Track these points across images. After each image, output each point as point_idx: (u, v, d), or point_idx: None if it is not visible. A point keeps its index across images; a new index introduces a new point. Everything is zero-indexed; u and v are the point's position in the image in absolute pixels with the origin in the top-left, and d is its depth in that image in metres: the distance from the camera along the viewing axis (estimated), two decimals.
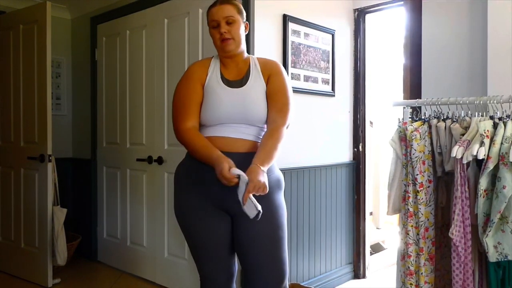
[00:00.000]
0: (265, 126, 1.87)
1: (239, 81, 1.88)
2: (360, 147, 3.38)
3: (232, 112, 1.81)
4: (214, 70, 1.90)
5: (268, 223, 1.81)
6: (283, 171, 2.16)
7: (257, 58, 1.97)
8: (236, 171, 1.62)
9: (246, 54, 1.93)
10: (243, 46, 1.89)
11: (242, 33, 1.88)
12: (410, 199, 2.11)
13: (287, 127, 1.88)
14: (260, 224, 1.74)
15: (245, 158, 1.72)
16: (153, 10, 3.21)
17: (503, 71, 2.20)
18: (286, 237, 1.88)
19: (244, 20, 1.91)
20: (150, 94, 3.26)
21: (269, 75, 1.90)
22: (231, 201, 1.69)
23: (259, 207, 1.59)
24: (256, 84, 1.88)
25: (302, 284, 2.84)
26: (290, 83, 1.96)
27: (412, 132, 2.09)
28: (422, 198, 2.07)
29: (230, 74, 1.90)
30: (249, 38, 2.61)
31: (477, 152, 1.82)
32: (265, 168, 1.66)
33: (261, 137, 1.85)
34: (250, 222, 1.67)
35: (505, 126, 1.85)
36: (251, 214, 1.60)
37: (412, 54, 2.66)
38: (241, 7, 1.91)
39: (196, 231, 1.85)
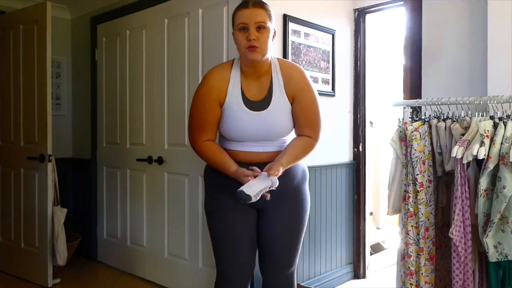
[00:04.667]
0: (288, 136, 1.88)
1: (261, 102, 1.80)
2: (360, 147, 3.38)
3: (254, 134, 1.80)
4: (234, 86, 1.79)
5: (293, 216, 1.90)
6: None
7: (280, 65, 1.84)
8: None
9: (268, 59, 1.81)
10: (268, 54, 1.78)
11: (270, 41, 1.77)
12: (410, 199, 2.11)
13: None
14: (286, 217, 1.82)
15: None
16: (153, 10, 3.21)
17: (503, 71, 2.20)
18: (305, 229, 1.96)
19: (274, 27, 1.79)
20: (150, 94, 3.26)
21: (295, 95, 1.81)
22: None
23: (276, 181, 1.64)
24: (279, 105, 1.80)
25: (302, 284, 2.84)
26: (316, 92, 1.87)
27: (412, 132, 2.09)
28: (422, 198, 2.07)
29: (251, 90, 1.81)
30: None
31: (477, 152, 1.82)
32: (284, 168, 1.72)
33: (284, 145, 1.86)
34: (276, 215, 1.76)
35: (505, 126, 1.85)
36: (265, 186, 1.63)
37: (412, 54, 2.66)
38: (272, 14, 1.79)
39: (224, 225, 1.87)
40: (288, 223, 1.87)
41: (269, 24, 1.74)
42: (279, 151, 1.83)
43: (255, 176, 1.67)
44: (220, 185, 1.87)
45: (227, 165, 1.77)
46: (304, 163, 1.95)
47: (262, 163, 1.77)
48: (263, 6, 1.76)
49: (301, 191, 1.93)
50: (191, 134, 1.85)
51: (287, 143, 1.86)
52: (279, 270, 1.94)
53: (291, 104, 1.82)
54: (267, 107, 1.78)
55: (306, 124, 1.83)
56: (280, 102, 1.80)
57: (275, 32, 1.82)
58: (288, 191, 1.84)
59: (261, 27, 1.72)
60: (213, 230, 1.93)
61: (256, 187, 1.61)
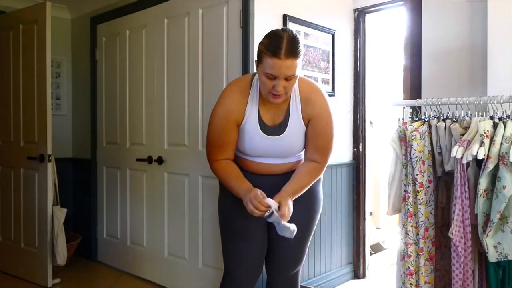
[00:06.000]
0: (302, 152, 1.89)
1: (277, 127, 1.78)
2: (360, 147, 3.38)
3: (269, 153, 1.82)
4: (252, 109, 1.76)
5: (306, 219, 1.90)
6: None
7: (299, 86, 1.77)
8: (267, 201, 1.65)
9: None
10: None
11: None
12: (410, 199, 2.11)
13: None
14: (299, 219, 1.78)
15: (281, 180, 1.79)
16: (153, 10, 3.21)
17: (503, 71, 2.20)
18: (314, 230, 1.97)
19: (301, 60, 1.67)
20: (150, 94, 3.26)
21: (310, 118, 1.77)
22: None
23: (293, 226, 1.64)
24: (295, 130, 1.78)
25: (302, 284, 2.83)
26: (332, 117, 1.81)
27: (412, 132, 2.09)
28: (422, 198, 2.07)
29: (268, 114, 1.77)
30: (249, 38, 2.61)
31: (477, 152, 1.82)
32: (292, 199, 1.72)
33: (297, 160, 1.88)
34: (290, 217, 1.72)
35: (505, 126, 1.85)
36: (290, 234, 1.65)
37: (412, 54, 2.66)
38: (302, 51, 1.64)
39: (236, 223, 1.86)
40: (301, 225, 1.82)
41: (298, 70, 1.64)
42: (294, 162, 1.86)
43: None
44: None
45: (240, 184, 1.74)
46: None
47: (276, 175, 1.82)
48: (296, 54, 1.60)
49: (315, 193, 1.93)
50: (208, 152, 1.83)
51: (302, 157, 1.89)
52: (286, 270, 1.95)
53: (306, 126, 1.80)
54: (283, 133, 1.77)
55: (316, 149, 1.81)
56: (296, 126, 1.78)
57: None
58: (303, 193, 1.82)
59: (290, 79, 1.63)
60: (223, 227, 1.93)
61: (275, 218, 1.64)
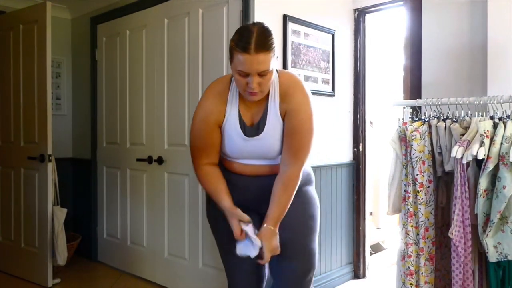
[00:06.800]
0: None
1: (256, 126, 1.68)
2: (360, 147, 3.38)
3: (252, 155, 1.72)
4: (231, 109, 1.68)
5: (300, 214, 1.79)
6: None
7: (279, 78, 1.67)
8: (248, 230, 1.60)
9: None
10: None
11: (273, 76, 1.60)
12: (410, 199, 2.11)
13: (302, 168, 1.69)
14: (293, 215, 1.72)
15: (269, 181, 1.69)
16: (153, 10, 3.21)
17: (503, 71, 2.20)
18: (318, 229, 1.87)
19: (276, 54, 1.58)
20: (150, 94, 3.26)
21: (286, 111, 1.64)
22: (262, 204, 1.68)
23: (258, 244, 1.59)
24: (274, 128, 1.67)
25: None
26: (312, 116, 1.66)
27: (412, 132, 2.09)
28: (422, 198, 2.07)
29: (248, 113, 1.69)
30: None
31: (477, 152, 1.82)
32: (278, 227, 1.64)
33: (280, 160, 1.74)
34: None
35: (505, 126, 1.85)
36: (252, 254, 1.60)
37: (412, 54, 2.66)
38: (274, 44, 1.55)
39: (226, 236, 1.74)
40: (295, 219, 1.76)
41: (272, 65, 1.55)
42: (276, 165, 1.72)
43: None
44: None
45: (220, 198, 1.68)
46: (309, 168, 1.86)
47: (264, 176, 1.72)
48: (267, 48, 1.51)
49: (305, 194, 1.81)
50: (192, 156, 1.75)
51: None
52: (293, 276, 1.80)
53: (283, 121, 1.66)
54: (261, 132, 1.67)
55: (288, 149, 1.65)
56: (275, 125, 1.66)
57: (277, 57, 1.68)
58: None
59: (264, 74, 1.53)
60: (218, 240, 1.88)
61: (249, 250, 1.60)
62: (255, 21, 1.65)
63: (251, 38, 1.50)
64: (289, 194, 1.66)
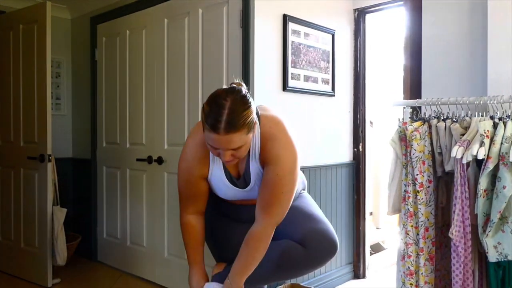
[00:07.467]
0: None
1: (242, 180, 1.64)
2: (360, 147, 3.38)
3: (244, 198, 1.71)
4: (215, 163, 1.61)
5: (299, 205, 1.76)
6: None
7: (261, 127, 1.55)
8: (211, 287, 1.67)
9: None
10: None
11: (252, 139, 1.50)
12: (410, 199, 2.11)
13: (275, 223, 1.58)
14: (293, 206, 1.67)
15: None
16: (153, 10, 3.21)
17: (503, 71, 2.20)
18: (324, 216, 1.78)
19: (252, 129, 1.44)
20: (150, 94, 3.26)
21: (265, 164, 1.56)
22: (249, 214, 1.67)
23: None
24: (258, 180, 1.61)
25: (302, 284, 2.83)
26: (291, 168, 1.54)
27: (412, 132, 2.08)
28: (422, 198, 2.07)
29: (233, 166, 1.62)
30: (249, 38, 2.61)
31: (477, 152, 1.82)
32: (241, 282, 1.59)
33: None
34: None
35: (505, 126, 1.85)
36: None
37: (412, 54, 2.66)
38: (250, 118, 1.41)
39: (223, 232, 1.80)
40: (295, 207, 1.72)
41: (248, 138, 1.43)
42: None
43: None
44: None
45: (189, 253, 1.73)
46: (301, 174, 1.83)
47: (250, 206, 1.66)
48: (239, 128, 1.37)
49: (299, 194, 1.86)
50: (179, 202, 1.72)
51: None
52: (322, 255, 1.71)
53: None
54: (248, 185, 1.62)
55: (260, 201, 1.56)
56: (258, 176, 1.59)
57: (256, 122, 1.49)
58: None
59: (237, 149, 1.42)
60: (212, 239, 1.88)
61: None
62: (234, 84, 1.48)
63: (221, 115, 1.35)
64: (253, 251, 1.57)
